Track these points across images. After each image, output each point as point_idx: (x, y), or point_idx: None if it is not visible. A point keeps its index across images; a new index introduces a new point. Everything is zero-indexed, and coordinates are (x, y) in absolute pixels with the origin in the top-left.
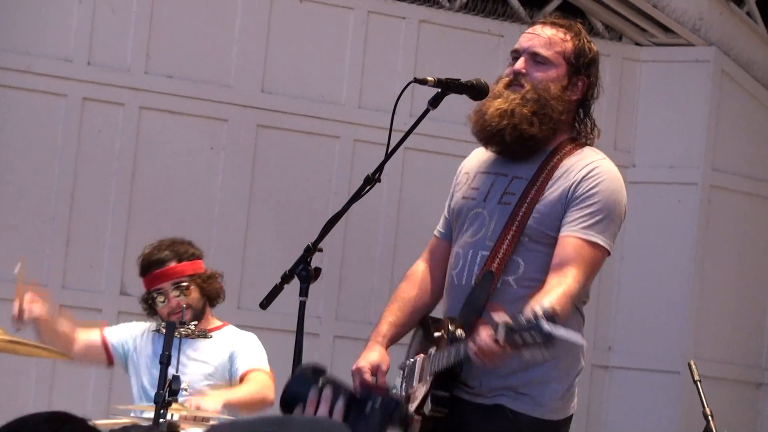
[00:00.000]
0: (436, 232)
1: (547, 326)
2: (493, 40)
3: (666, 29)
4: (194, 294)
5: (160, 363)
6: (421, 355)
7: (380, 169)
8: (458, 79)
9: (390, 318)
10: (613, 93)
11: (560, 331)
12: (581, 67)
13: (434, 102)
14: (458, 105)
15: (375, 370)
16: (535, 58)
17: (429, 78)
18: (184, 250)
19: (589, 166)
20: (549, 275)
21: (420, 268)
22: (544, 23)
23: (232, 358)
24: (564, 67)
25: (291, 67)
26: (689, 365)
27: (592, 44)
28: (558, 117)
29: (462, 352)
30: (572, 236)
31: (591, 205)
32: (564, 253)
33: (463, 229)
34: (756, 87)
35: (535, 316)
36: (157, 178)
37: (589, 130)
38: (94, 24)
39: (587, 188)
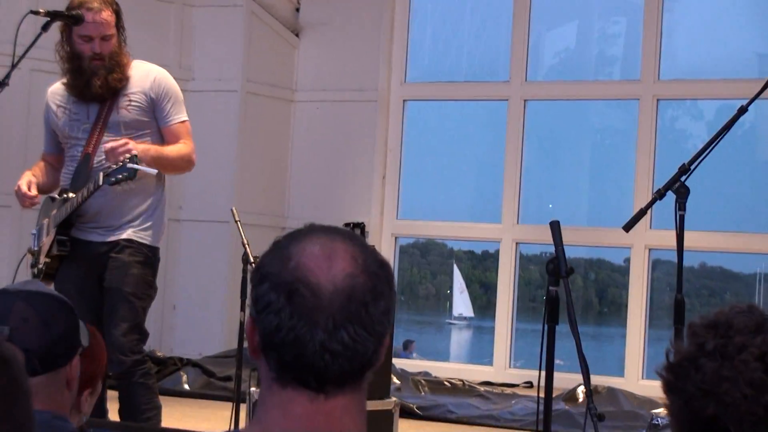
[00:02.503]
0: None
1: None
2: None
3: None
4: None
5: None
6: (46, 219)
7: (8, 75)
8: (62, 11)
9: (31, 171)
10: (177, 30)
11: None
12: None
13: (45, 27)
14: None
15: (28, 184)
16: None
17: (41, 9)
18: None
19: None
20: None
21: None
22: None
23: None
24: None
25: None
26: (232, 211)
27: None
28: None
29: (72, 203)
30: None
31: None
32: None
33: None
34: (274, 22)
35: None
36: None
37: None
38: None
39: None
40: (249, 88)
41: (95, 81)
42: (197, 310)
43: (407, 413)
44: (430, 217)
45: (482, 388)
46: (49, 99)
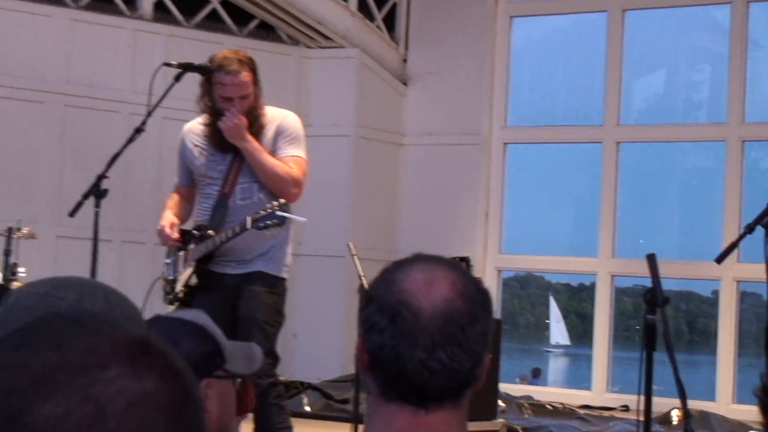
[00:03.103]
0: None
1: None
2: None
3: (326, 38)
4: None
5: None
6: (181, 252)
7: (144, 122)
8: (193, 62)
9: (171, 209)
10: (294, 80)
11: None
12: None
13: (178, 77)
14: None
15: (171, 225)
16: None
17: (173, 62)
18: None
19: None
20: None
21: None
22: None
23: None
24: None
25: (95, 69)
26: (349, 246)
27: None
28: None
29: (215, 241)
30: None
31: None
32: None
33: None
34: (384, 72)
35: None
36: None
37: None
38: None
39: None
40: (361, 133)
41: None
42: (316, 337)
43: None
44: (531, 252)
45: (582, 411)
46: (186, 136)
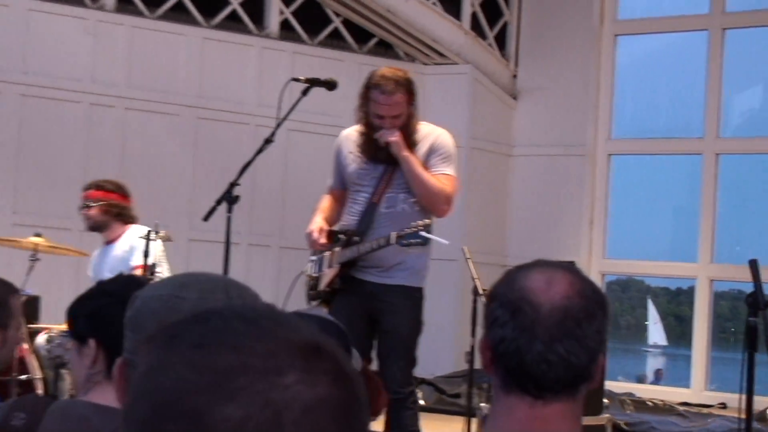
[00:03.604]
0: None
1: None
2: (336, 64)
3: (441, 55)
4: (96, 212)
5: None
6: (328, 252)
7: (273, 134)
8: (319, 77)
9: (322, 213)
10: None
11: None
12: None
13: (305, 91)
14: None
15: (320, 230)
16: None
17: (301, 77)
18: (106, 185)
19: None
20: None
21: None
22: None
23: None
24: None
25: (225, 84)
26: (463, 250)
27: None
28: None
29: (360, 249)
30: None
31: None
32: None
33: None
34: (495, 88)
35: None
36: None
37: None
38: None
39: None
40: (473, 145)
41: (384, 150)
42: (431, 336)
43: (616, 429)
44: (633, 257)
45: (681, 408)
46: (342, 143)
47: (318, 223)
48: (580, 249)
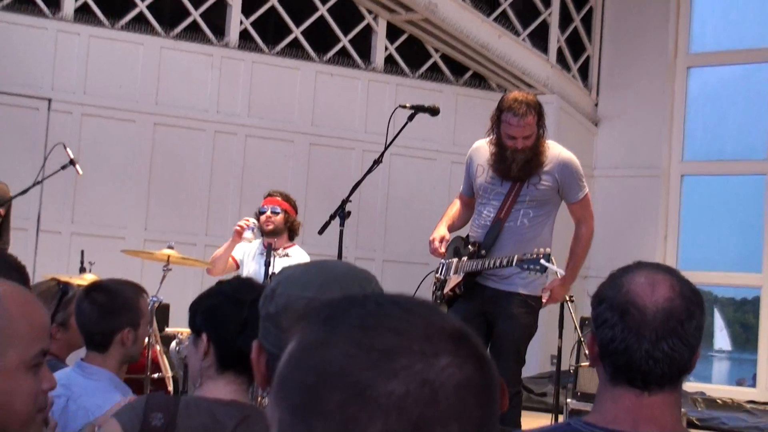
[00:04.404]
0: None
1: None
2: (435, 95)
3: (529, 86)
4: (280, 219)
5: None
6: (455, 259)
7: (381, 156)
8: (423, 104)
9: (447, 221)
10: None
11: (551, 266)
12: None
13: (411, 117)
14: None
15: (441, 239)
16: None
17: (407, 104)
18: (290, 199)
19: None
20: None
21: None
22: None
23: None
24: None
25: (335, 113)
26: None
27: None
28: None
29: (484, 264)
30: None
31: None
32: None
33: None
34: (578, 115)
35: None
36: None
37: None
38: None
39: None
40: None
41: (514, 167)
42: None
43: (690, 424)
44: (702, 269)
45: (748, 405)
46: (473, 154)
47: (440, 233)
48: (654, 261)
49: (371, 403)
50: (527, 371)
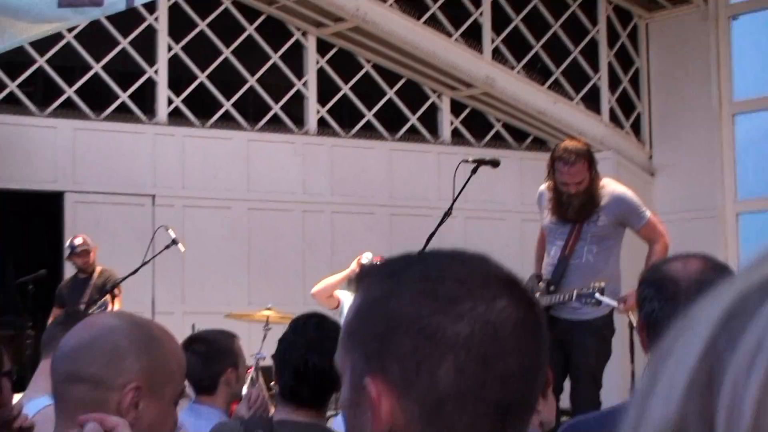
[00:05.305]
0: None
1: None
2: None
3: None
4: None
5: None
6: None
7: (451, 207)
8: (484, 158)
9: (538, 262)
10: None
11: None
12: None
13: (474, 170)
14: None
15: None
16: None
17: (470, 158)
18: None
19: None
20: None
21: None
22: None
23: None
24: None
25: (410, 184)
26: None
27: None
28: None
29: (554, 299)
30: None
31: None
32: None
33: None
34: (634, 168)
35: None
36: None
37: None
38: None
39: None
40: None
41: (570, 210)
42: None
43: None
44: None
45: None
46: (541, 195)
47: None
48: None
49: (441, 344)
50: (610, 400)
